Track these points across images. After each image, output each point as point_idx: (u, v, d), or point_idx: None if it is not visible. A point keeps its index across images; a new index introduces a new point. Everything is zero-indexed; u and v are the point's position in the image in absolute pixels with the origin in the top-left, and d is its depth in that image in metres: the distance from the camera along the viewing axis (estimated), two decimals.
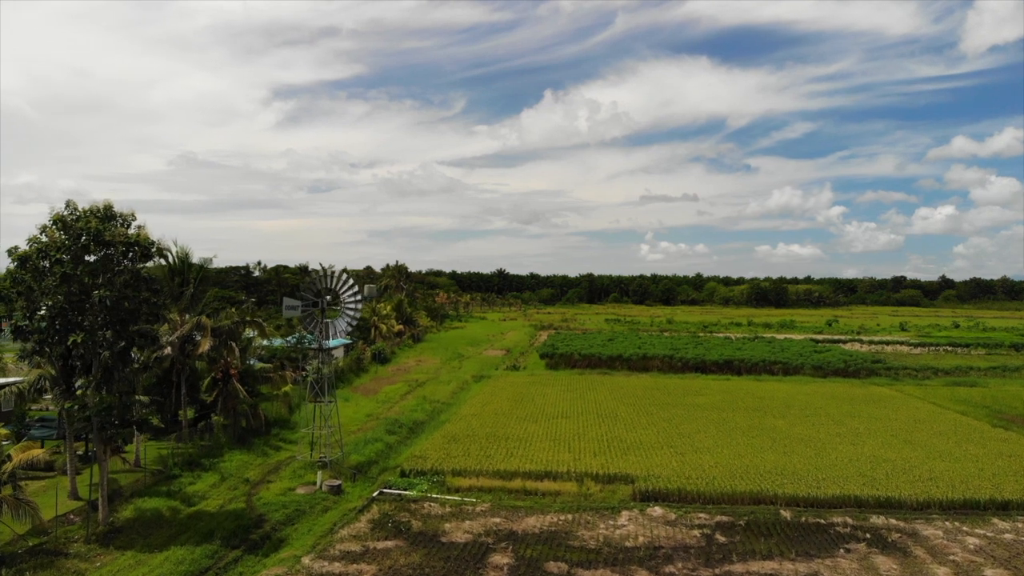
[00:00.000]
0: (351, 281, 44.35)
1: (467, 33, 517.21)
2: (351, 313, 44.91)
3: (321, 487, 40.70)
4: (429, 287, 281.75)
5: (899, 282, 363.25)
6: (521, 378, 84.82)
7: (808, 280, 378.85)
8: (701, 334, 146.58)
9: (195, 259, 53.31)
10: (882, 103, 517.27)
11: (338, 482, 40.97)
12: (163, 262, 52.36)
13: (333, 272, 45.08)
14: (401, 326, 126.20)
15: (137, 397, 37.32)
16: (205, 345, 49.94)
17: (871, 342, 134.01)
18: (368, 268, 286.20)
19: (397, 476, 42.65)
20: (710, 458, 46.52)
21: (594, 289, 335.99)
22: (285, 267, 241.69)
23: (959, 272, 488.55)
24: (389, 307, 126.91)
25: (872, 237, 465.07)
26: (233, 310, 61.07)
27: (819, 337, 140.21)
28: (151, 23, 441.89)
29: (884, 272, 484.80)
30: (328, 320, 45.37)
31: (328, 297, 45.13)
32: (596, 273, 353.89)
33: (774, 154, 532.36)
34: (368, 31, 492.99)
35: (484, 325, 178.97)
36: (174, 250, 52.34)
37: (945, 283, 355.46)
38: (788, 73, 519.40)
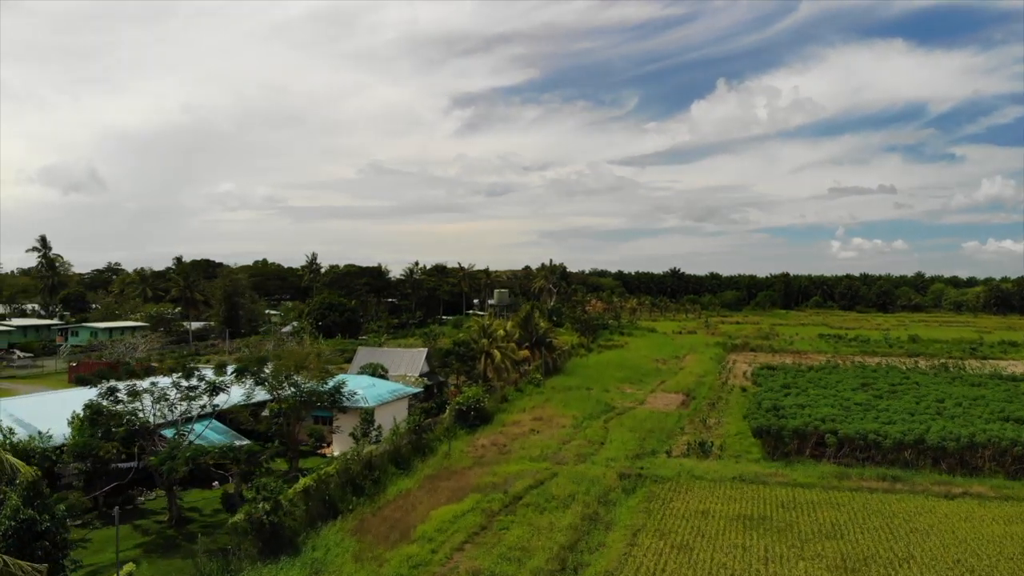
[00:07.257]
0: None
1: (639, 30, 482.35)
2: None
3: None
4: (591, 289, 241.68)
5: None
6: (719, 489, 41.81)
7: None
8: (976, 364, 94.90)
9: None
10: None
11: None
12: None
13: None
14: (527, 351, 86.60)
15: None
16: None
17: None
18: (526, 268, 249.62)
19: None
20: None
21: (789, 292, 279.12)
22: (442, 266, 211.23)
23: None
24: (510, 324, 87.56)
25: None
26: None
27: None
28: (342, 40, 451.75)
29: None
30: None
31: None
32: (789, 273, 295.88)
33: (982, 141, 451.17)
34: (541, 35, 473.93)
35: (652, 341, 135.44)
36: None
37: None
38: (997, 53, 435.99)
